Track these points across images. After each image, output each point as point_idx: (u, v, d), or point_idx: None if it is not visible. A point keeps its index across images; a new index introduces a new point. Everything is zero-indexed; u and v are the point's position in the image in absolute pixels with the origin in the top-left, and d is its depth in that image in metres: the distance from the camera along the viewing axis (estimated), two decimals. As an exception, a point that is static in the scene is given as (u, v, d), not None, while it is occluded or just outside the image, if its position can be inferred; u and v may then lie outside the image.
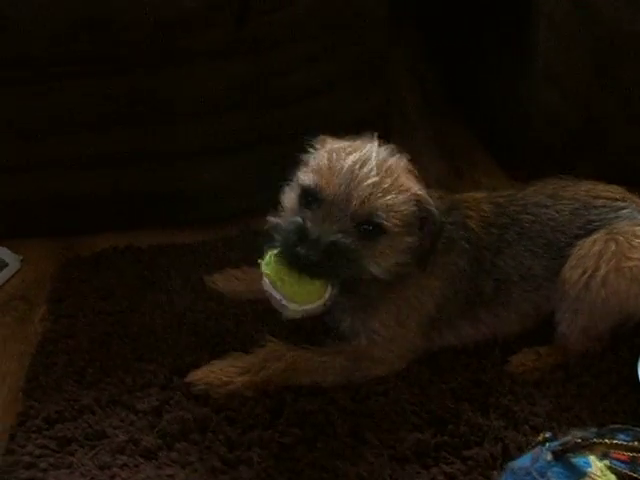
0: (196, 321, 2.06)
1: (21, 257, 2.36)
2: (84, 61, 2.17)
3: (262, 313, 2.05)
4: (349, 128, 2.36)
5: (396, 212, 1.68)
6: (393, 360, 1.89)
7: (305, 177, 1.72)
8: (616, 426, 1.51)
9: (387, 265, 1.73)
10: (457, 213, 1.89)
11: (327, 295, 1.69)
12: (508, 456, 1.69)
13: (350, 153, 1.70)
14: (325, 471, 1.69)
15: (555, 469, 1.45)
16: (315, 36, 2.23)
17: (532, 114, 2.40)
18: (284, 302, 1.68)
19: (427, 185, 1.85)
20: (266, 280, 1.70)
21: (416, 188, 1.73)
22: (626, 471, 1.46)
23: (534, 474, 1.46)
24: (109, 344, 2.02)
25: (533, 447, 1.54)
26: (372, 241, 1.69)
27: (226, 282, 2.14)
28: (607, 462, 1.47)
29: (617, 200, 1.95)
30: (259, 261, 1.73)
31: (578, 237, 1.89)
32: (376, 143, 1.75)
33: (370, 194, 1.65)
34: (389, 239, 1.70)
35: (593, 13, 2.23)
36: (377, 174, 1.67)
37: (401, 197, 1.69)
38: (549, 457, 1.47)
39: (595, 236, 1.86)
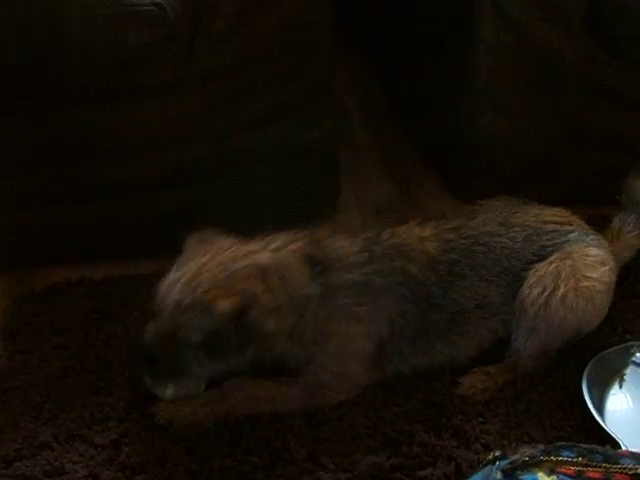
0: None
1: (-24, 292, 2.35)
2: (30, 97, 2.17)
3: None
4: (297, 157, 2.43)
5: (198, 326, 1.74)
6: (347, 389, 1.93)
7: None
8: (562, 443, 1.56)
9: (215, 370, 1.85)
10: (397, 258, 1.91)
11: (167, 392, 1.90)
12: (461, 475, 1.74)
13: (182, 267, 1.81)
14: (284, 497, 1.72)
15: (505, 487, 1.51)
16: (262, 64, 2.26)
17: (476, 137, 2.46)
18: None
19: (376, 211, 1.92)
20: None
21: (211, 299, 1.74)
22: (573, 484, 1.53)
23: (485, 493, 1.52)
24: (65, 379, 2.01)
25: (484, 466, 1.59)
26: (179, 351, 1.79)
27: None
28: (555, 477, 1.53)
29: (564, 224, 2.03)
30: None
31: (532, 262, 1.95)
32: (225, 248, 1.82)
33: (172, 312, 1.76)
34: (203, 350, 1.78)
35: (527, 37, 2.31)
36: (181, 291, 1.75)
37: (199, 313, 1.74)
38: (499, 475, 1.51)
39: (550, 259, 1.94)
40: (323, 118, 2.42)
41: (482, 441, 1.82)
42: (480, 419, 1.87)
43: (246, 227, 1.95)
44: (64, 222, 2.38)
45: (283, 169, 2.44)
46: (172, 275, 1.80)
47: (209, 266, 1.78)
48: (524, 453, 1.55)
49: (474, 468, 1.72)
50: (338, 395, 1.92)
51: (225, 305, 1.72)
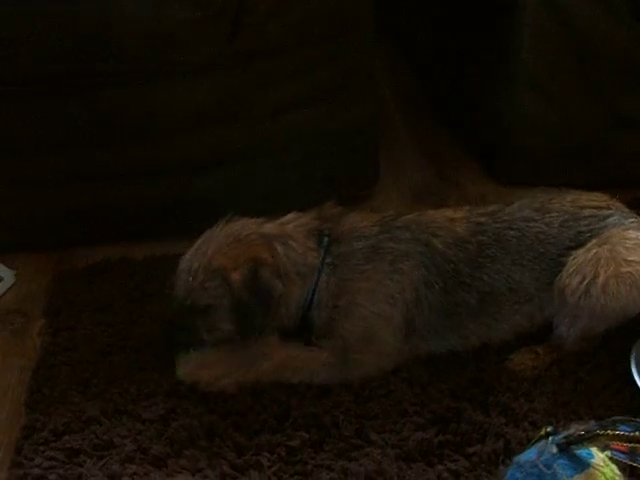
0: (196, 330, 2.08)
1: (15, 271, 2.36)
2: (74, 77, 2.18)
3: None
4: (337, 138, 2.44)
5: (209, 291, 1.85)
6: (375, 357, 1.92)
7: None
8: (618, 418, 1.57)
9: (221, 334, 1.90)
10: (420, 231, 1.93)
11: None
12: (510, 452, 1.74)
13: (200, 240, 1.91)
14: (334, 472, 1.72)
15: (560, 461, 1.51)
16: (305, 47, 2.27)
17: (516, 122, 2.46)
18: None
19: (414, 194, 1.93)
20: None
21: (219, 265, 1.84)
22: (626, 461, 1.52)
23: (540, 467, 1.51)
24: (111, 355, 2.04)
25: (537, 441, 1.60)
26: (198, 316, 1.88)
27: None
28: (608, 453, 1.53)
29: (602, 208, 2.01)
30: None
31: (570, 248, 1.94)
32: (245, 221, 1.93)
33: (185, 279, 1.87)
34: (213, 314, 1.87)
35: (572, 21, 2.31)
36: (190, 260, 1.88)
37: (209, 279, 1.84)
38: (554, 450, 1.52)
39: (588, 245, 1.92)
40: (364, 101, 2.43)
41: (530, 419, 1.82)
42: (527, 397, 1.87)
43: (281, 210, 2.00)
44: (102, 203, 2.40)
45: (322, 152, 2.45)
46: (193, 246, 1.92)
47: (217, 236, 1.89)
48: (579, 427, 1.56)
49: (523, 445, 1.72)
50: (366, 366, 1.92)
51: (233, 268, 1.83)
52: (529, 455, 1.56)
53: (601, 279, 1.87)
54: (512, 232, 1.95)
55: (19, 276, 2.36)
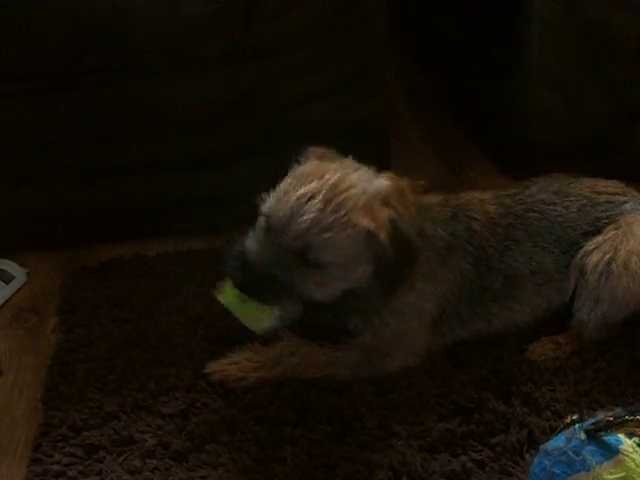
0: (213, 325, 2.06)
1: (27, 270, 2.35)
2: (87, 73, 2.17)
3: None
4: (349, 133, 2.42)
5: (336, 248, 1.68)
6: (403, 356, 1.92)
7: (266, 202, 1.76)
8: (645, 403, 1.57)
9: (331, 292, 1.76)
10: (462, 217, 1.93)
11: (273, 318, 1.76)
12: (534, 441, 1.74)
13: (305, 183, 1.70)
14: (358, 464, 1.71)
15: (589, 448, 1.49)
16: (317, 40, 2.27)
17: (527, 113, 2.47)
18: (244, 323, 1.79)
19: (428, 189, 1.92)
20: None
21: (367, 223, 1.68)
22: (654, 447, 1.52)
23: (569, 453, 1.50)
24: (128, 351, 2.02)
25: (563, 429, 1.59)
26: (312, 272, 1.71)
27: None
28: (636, 439, 1.52)
29: (618, 195, 2.03)
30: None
31: (588, 234, 1.96)
32: (346, 171, 1.74)
33: (306, 229, 1.66)
34: (329, 271, 1.72)
35: (584, 15, 2.31)
36: (320, 209, 1.66)
37: (344, 234, 1.67)
38: (583, 436, 1.51)
39: (606, 230, 1.94)
40: (376, 95, 2.42)
41: (552, 408, 1.82)
42: (549, 387, 1.87)
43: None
44: (114, 200, 2.39)
45: (334, 146, 2.43)
46: (293, 190, 1.70)
47: (345, 186, 1.70)
48: (607, 413, 1.55)
49: (547, 435, 1.72)
50: (393, 362, 1.91)
51: (381, 228, 1.68)
52: (557, 442, 1.55)
53: (622, 255, 1.88)
54: (534, 214, 1.97)
55: (31, 275, 2.35)
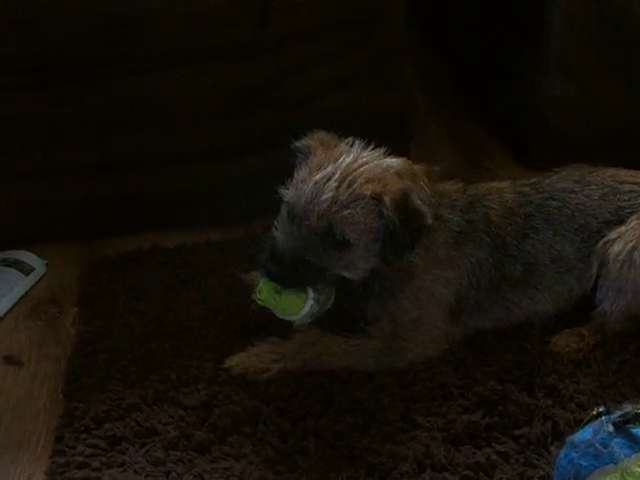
0: (234, 317, 2.06)
1: (46, 261, 2.35)
2: (103, 63, 2.17)
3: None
4: (367, 125, 2.41)
5: (356, 224, 1.73)
6: (422, 344, 1.91)
7: (286, 192, 1.81)
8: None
9: (360, 270, 1.80)
10: (479, 206, 1.94)
11: (307, 306, 1.79)
12: (558, 433, 1.73)
13: (322, 167, 1.76)
14: (382, 455, 1.71)
15: (617, 440, 1.48)
16: (335, 32, 2.26)
17: (546, 105, 2.45)
18: (280, 316, 1.84)
19: (444, 176, 1.95)
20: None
21: (372, 190, 1.73)
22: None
23: (597, 446, 1.49)
24: (148, 343, 2.02)
25: (589, 421, 1.58)
26: (340, 251, 1.76)
27: None
28: (663, 433, 1.52)
29: None
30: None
31: (610, 223, 1.95)
32: (359, 152, 1.81)
33: (327, 209, 1.71)
34: (356, 248, 1.76)
35: (604, 4, 2.29)
36: (337, 188, 1.72)
37: (359, 208, 1.73)
38: (610, 428, 1.50)
39: (630, 219, 1.93)
40: (394, 86, 2.42)
41: (576, 400, 1.81)
42: (573, 379, 1.86)
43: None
44: (133, 192, 2.39)
45: (353, 135, 2.42)
46: (310, 176, 1.76)
47: (357, 165, 1.76)
48: (635, 406, 1.53)
49: (572, 427, 1.70)
50: (412, 350, 1.90)
51: (388, 194, 1.72)
52: (584, 434, 1.53)
53: None
54: (554, 202, 1.96)
55: (50, 266, 2.35)
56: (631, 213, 1.95)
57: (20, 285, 2.25)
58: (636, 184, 2.02)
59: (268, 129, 2.34)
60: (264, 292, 1.81)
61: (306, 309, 1.80)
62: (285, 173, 2.38)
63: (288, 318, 1.84)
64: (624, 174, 2.05)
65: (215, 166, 2.38)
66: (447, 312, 1.93)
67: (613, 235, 1.92)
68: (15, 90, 2.18)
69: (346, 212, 1.72)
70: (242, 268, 2.19)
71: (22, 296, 2.25)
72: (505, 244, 1.93)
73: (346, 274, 1.79)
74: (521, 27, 2.48)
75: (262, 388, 1.86)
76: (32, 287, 2.28)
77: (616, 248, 1.90)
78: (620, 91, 2.42)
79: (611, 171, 2.05)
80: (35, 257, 2.33)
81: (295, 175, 1.81)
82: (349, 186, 1.72)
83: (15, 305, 2.22)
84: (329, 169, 1.75)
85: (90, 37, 2.10)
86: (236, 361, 1.91)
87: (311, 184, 1.74)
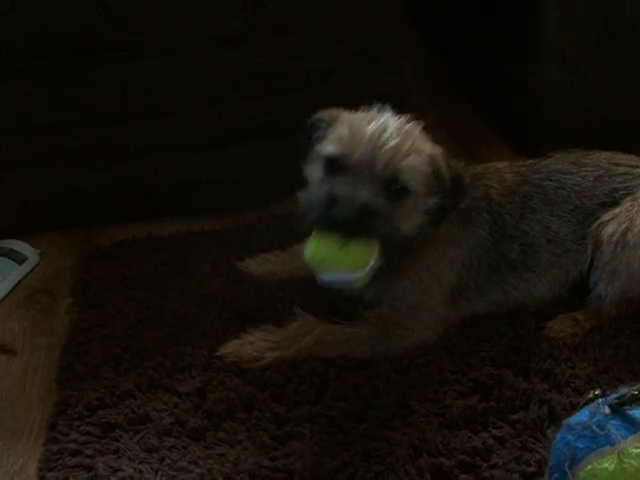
0: (229, 304, 2.05)
1: (40, 251, 2.34)
2: (103, 50, 2.16)
3: (293, 292, 2.07)
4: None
5: (417, 173, 1.75)
6: (420, 329, 1.91)
7: (328, 147, 1.78)
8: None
9: (413, 225, 1.79)
10: (479, 184, 1.94)
11: (373, 258, 1.69)
12: (555, 417, 1.72)
13: (369, 122, 1.77)
14: (378, 441, 1.70)
15: (613, 422, 1.47)
16: (332, 19, 2.26)
17: (544, 94, 2.45)
18: (336, 277, 1.71)
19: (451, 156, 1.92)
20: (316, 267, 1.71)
21: (431, 149, 1.80)
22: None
23: (593, 428, 1.48)
24: (142, 331, 2.00)
25: (586, 404, 1.57)
26: (399, 201, 1.75)
27: (259, 265, 2.16)
28: (659, 416, 1.51)
29: (636, 167, 2.02)
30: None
31: (604, 204, 1.95)
32: (390, 113, 1.82)
33: (392, 157, 1.72)
34: (414, 199, 1.77)
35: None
36: (397, 138, 1.73)
37: (420, 159, 1.76)
38: (607, 411, 1.49)
39: (624, 200, 1.93)
40: (391, 74, 2.43)
41: (572, 385, 1.80)
42: (569, 363, 1.85)
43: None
44: (127, 181, 2.38)
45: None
46: (362, 127, 1.75)
47: (399, 124, 1.78)
48: (631, 388, 1.53)
49: (568, 411, 1.70)
50: (410, 336, 1.89)
51: (439, 153, 1.80)
52: (580, 417, 1.52)
53: (638, 225, 1.87)
54: (550, 183, 1.98)
55: (43, 256, 2.34)
56: (625, 195, 1.96)
57: (13, 274, 2.24)
58: (631, 166, 2.02)
59: (266, 117, 2.33)
60: (322, 249, 1.67)
61: (373, 261, 1.69)
62: (284, 161, 2.39)
63: (345, 279, 1.71)
64: (619, 157, 2.06)
65: (213, 155, 2.37)
66: (447, 295, 1.92)
67: (607, 217, 1.92)
68: (14, 78, 2.17)
69: (410, 159, 1.73)
70: (237, 255, 2.19)
71: (15, 285, 2.24)
72: (504, 223, 1.93)
73: (404, 227, 1.75)
74: (518, 15, 2.47)
75: (257, 374, 1.85)
76: (25, 276, 2.27)
77: (609, 229, 1.90)
78: (617, 79, 2.42)
79: (606, 154, 2.06)
80: (28, 246, 2.32)
81: (330, 134, 1.80)
82: (406, 139, 1.74)
83: (8, 294, 2.22)
84: (378, 123, 1.76)
85: (88, 24, 2.09)
86: (230, 349, 1.90)
87: (368, 134, 1.73)
